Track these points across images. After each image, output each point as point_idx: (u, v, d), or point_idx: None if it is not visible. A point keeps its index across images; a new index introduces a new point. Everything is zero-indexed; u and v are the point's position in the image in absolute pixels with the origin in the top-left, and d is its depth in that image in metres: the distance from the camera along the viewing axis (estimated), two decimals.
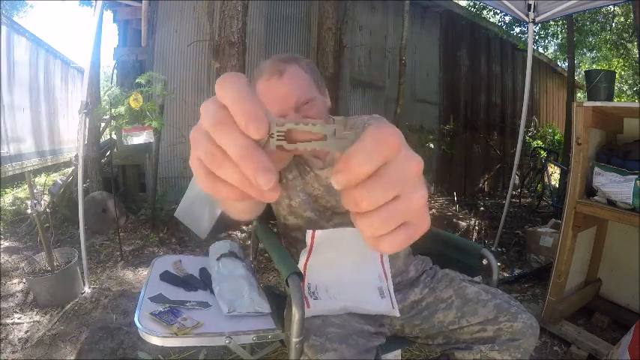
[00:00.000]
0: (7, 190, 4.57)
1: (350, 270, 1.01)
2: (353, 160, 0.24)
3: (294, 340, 0.82)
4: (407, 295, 1.05)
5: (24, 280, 2.16)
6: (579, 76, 7.82)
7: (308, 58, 1.00)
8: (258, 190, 0.25)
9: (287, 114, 0.87)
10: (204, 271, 1.26)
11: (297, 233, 1.06)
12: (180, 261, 1.34)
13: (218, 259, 1.22)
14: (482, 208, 4.84)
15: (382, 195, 0.25)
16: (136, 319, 0.97)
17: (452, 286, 1.03)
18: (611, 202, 1.57)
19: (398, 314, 0.99)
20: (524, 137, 3.27)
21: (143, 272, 2.49)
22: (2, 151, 4.63)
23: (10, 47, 4.87)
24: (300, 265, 0.98)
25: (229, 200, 0.27)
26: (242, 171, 0.25)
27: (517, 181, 5.30)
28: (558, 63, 8.53)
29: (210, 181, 0.26)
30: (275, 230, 1.23)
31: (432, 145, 5.25)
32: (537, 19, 2.81)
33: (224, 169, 0.25)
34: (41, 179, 4.66)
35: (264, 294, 1.12)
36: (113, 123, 2.56)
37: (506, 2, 2.72)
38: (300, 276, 0.86)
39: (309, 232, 0.97)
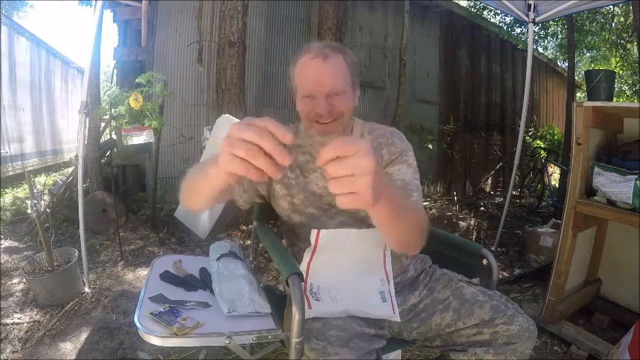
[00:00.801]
0: (7, 190, 4.57)
1: (352, 272, 1.00)
2: (326, 149, 0.48)
3: (295, 340, 0.81)
4: (407, 298, 1.05)
5: (24, 280, 2.16)
6: (579, 76, 7.81)
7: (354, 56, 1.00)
8: (273, 169, 0.49)
9: (316, 96, 0.89)
10: (204, 271, 1.26)
11: (301, 231, 1.05)
12: (180, 261, 1.33)
13: (218, 259, 1.22)
14: (482, 208, 4.84)
15: (342, 169, 0.48)
16: (136, 319, 0.96)
17: (449, 287, 1.03)
18: (611, 202, 1.57)
19: (398, 319, 0.99)
20: (524, 137, 3.27)
21: (143, 272, 2.49)
22: (2, 151, 4.63)
23: (10, 47, 4.87)
24: (304, 264, 0.98)
25: (253, 177, 0.50)
26: (274, 156, 0.48)
27: (517, 181, 5.31)
28: (558, 63, 8.53)
29: (245, 166, 0.49)
30: (275, 230, 1.22)
31: (430, 146, 5.25)
32: (537, 19, 2.81)
33: (259, 158, 0.48)
34: (41, 179, 4.66)
35: (264, 294, 1.11)
36: (113, 123, 2.55)
37: (506, 2, 2.72)
38: (301, 276, 0.86)
39: (313, 232, 0.97)
